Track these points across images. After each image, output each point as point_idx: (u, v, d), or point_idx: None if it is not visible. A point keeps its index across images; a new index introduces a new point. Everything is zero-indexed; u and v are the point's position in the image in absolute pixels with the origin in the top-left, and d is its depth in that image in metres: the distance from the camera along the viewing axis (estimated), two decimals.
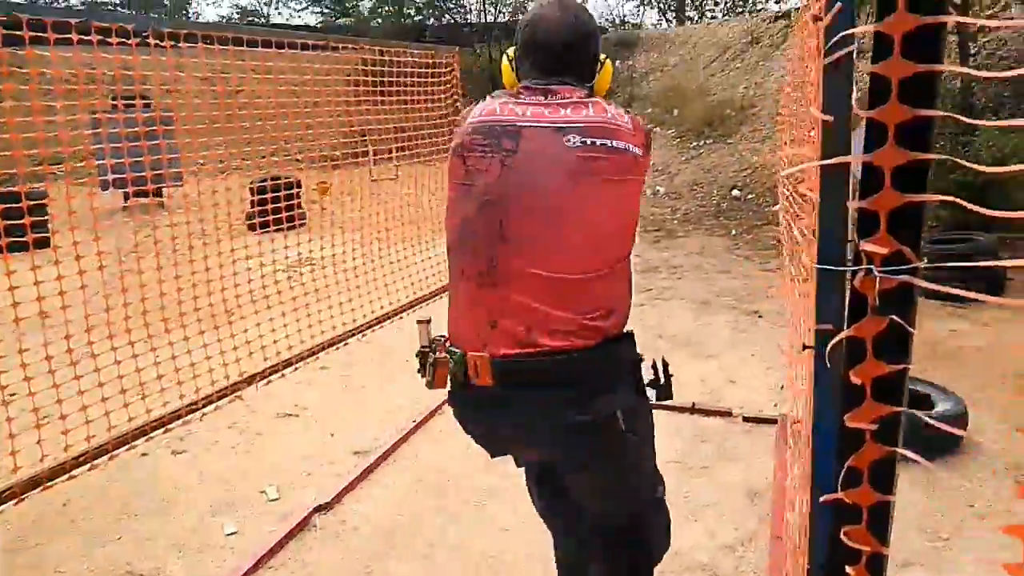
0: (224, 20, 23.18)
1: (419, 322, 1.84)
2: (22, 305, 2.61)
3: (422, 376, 1.78)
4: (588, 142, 1.62)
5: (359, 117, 4.87)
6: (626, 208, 1.70)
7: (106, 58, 2.78)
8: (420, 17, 22.55)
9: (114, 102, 3.59)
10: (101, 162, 3.37)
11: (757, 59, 13.49)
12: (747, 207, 9.43)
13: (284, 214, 4.44)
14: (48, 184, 3.79)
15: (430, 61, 4.65)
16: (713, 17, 21.49)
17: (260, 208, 5.25)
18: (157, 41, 2.83)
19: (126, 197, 9.18)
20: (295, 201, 7.56)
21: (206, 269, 3.61)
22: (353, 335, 4.16)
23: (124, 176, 2.99)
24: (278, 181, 6.01)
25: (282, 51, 3.62)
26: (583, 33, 1.78)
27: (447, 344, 1.75)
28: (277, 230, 4.48)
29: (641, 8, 23.91)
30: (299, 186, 8.08)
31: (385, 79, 4.41)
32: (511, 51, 1.87)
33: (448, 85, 4.77)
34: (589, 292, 1.63)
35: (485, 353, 1.64)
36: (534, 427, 1.67)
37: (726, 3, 21.77)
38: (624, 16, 23.67)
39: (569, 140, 1.62)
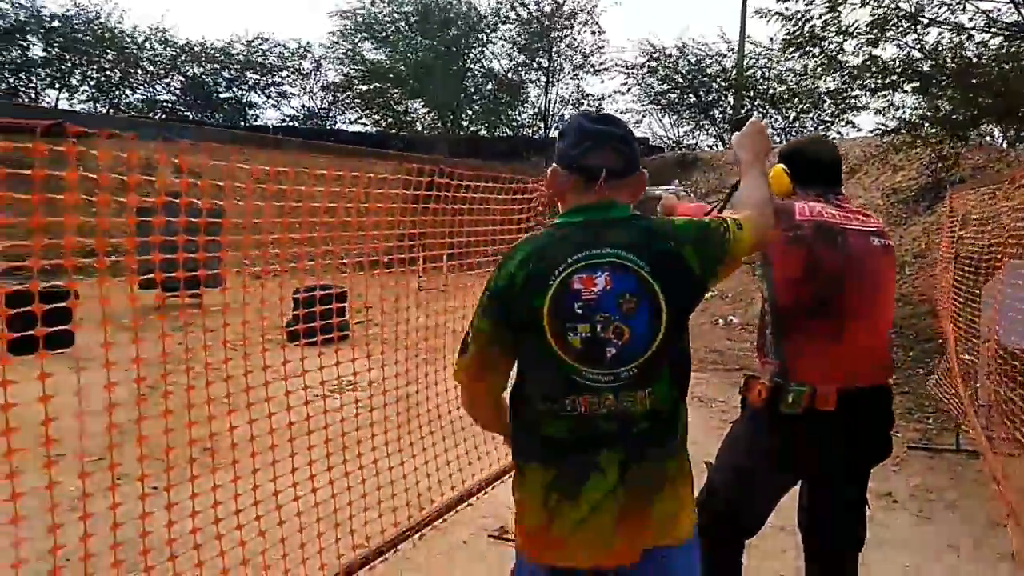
0: (287, 122, 23.50)
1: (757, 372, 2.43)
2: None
3: (781, 405, 2.29)
4: (884, 243, 2.41)
5: (413, 219, 4.18)
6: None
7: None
8: (474, 129, 22.75)
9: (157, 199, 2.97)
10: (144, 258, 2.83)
11: None
12: None
13: (328, 323, 3.70)
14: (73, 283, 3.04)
15: (514, 187, 4.23)
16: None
17: (304, 317, 4.50)
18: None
19: (159, 296, 8.81)
20: (341, 312, 6.85)
21: (226, 397, 2.76)
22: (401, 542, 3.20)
23: (158, 274, 2.65)
24: (327, 291, 5.26)
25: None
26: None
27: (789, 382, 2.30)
28: (321, 342, 3.67)
29: (696, 131, 23.72)
30: (344, 298, 7.38)
31: (454, 193, 3.86)
32: (781, 165, 2.53)
33: (529, 208, 4.27)
34: (887, 345, 2.51)
35: (832, 386, 2.25)
36: (860, 438, 2.37)
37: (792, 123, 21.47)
38: (680, 138, 23.51)
39: (874, 240, 2.38)
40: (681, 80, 22.00)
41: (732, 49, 21.28)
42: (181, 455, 2.52)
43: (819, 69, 9.47)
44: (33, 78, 20.71)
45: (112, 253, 2.35)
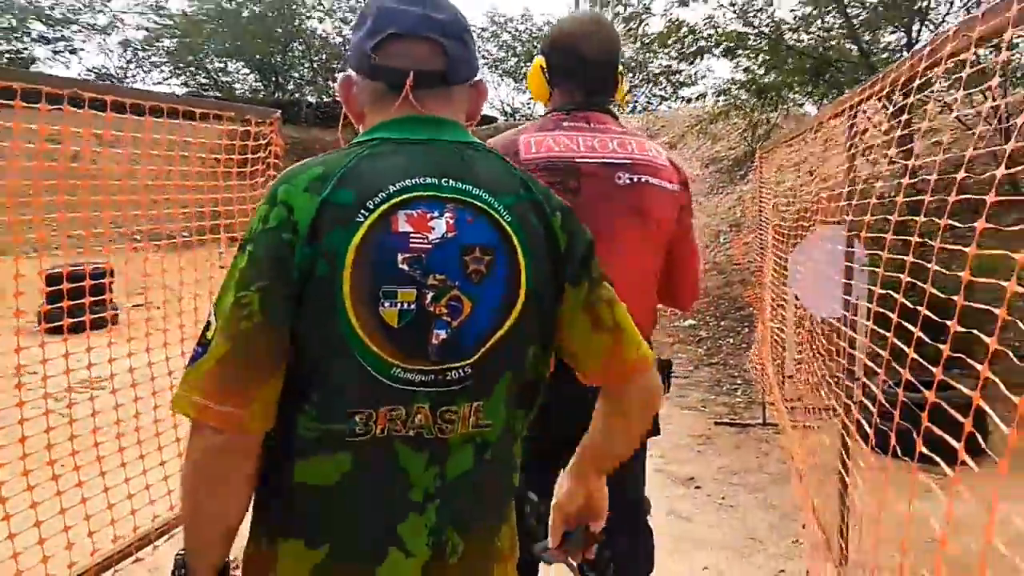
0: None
1: None
2: None
3: None
4: (635, 179, 1.72)
5: (213, 196, 3.49)
6: (664, 244, 1.80)
7: None
8: (299, 95, 21.38)
9: None
10: None
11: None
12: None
13: (87, 309, 3.10)
14: None
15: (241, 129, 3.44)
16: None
17: (57, 304, 3.66)
18: None
19: None
20: (106, 296, 5.80)
21: None
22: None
23: None
24: (79, 268, 4.25)
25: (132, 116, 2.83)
26: (617, 49, 1.84)
27: None
28: (73, 331, 3.00)
29: (533, 101, 23.61)
30: (110, 275, 6.24)
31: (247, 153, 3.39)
32: (542, 59, 1.86)
33: (264, 157, 3.49)
34: (641, 312, 1.59)
35: None
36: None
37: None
38: (516, 108, 23.27)
39: (620, 178, 1.72)
40: (520, 47, 21.90)
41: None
42: None
43: (654, 44, 9.16)
44: None
45: None
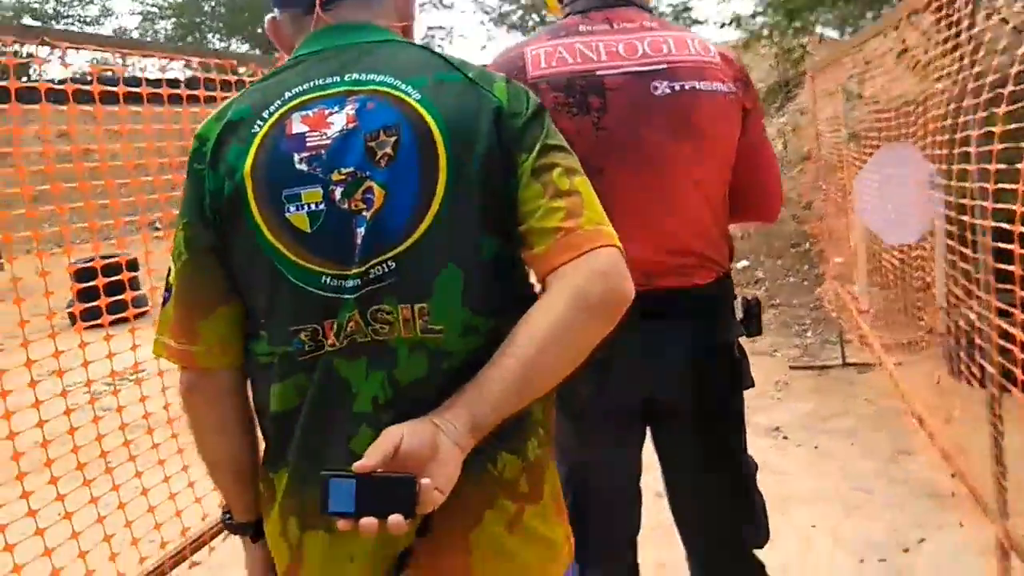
0: (77, 76, 20.80)
1: None
2: None
3: None
4: (678, 87, 1.41)
5: None
6: (726, 159, 1.48)
7: None
8: None
9: None
10: None
11: None
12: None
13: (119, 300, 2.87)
14: None
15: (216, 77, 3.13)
16: None
17: (86, 296, 3.46)
18: None
19: None
20: (129, 282, 5.57)
21: None
22: None
23: None
24: (109, 260, 3.98)
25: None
26: None
27: None
28: (109, 324, 2.76)
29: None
30: (134, 268, 5.99)
31: None
32: None
33: None
34: (698, 235, 1.48)
35: None
36: (656, 362, 1.47)
37: None
38: None
39: (656, 88, 1.41)
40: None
41: None
42: None
43: None
44: None
45: None
